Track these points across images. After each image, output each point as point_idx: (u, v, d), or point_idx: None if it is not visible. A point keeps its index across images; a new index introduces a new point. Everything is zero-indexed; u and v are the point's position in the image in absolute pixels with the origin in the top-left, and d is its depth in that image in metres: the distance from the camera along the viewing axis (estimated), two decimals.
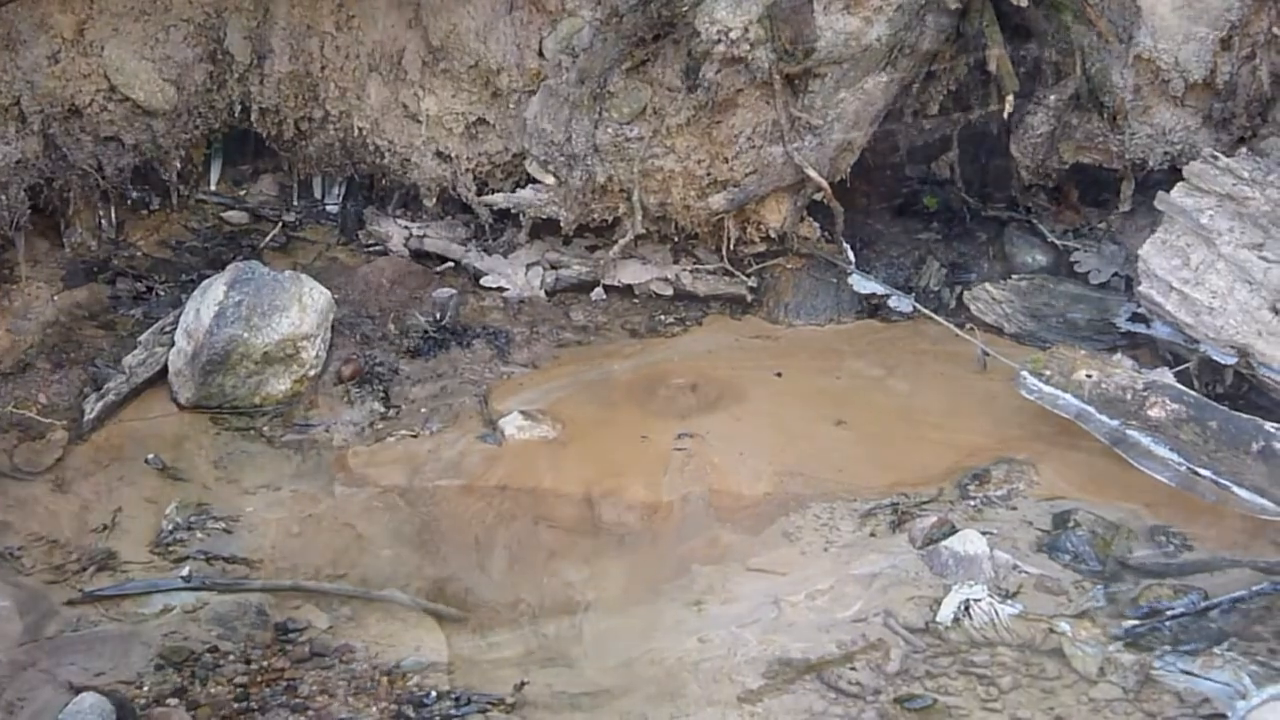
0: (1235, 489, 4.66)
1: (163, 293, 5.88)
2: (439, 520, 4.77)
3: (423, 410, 5.34)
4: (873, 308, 6.04)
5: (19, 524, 4.64)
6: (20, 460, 4.95)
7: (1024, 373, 5.05)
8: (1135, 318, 5.60)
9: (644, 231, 5.99)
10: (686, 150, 5.77)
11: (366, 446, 5.13)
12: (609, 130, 5.76)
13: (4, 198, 5.53)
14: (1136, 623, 4.13)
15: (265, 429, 5.22)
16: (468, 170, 6.11)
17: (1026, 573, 4.38)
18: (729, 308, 6.10)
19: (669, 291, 6.12)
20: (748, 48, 5.48)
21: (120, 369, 5.34)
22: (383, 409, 5.35)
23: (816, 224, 6.14)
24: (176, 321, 5.41)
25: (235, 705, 3.92)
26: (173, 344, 5.34)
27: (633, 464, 5.00)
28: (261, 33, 6.02)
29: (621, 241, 6.00)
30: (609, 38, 5.64)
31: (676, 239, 6.12)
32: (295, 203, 6.51)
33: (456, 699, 3.98)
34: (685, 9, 5.45)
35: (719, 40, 5.45)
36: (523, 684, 4.02)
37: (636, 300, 6.13)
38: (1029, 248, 6.17)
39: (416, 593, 4.42)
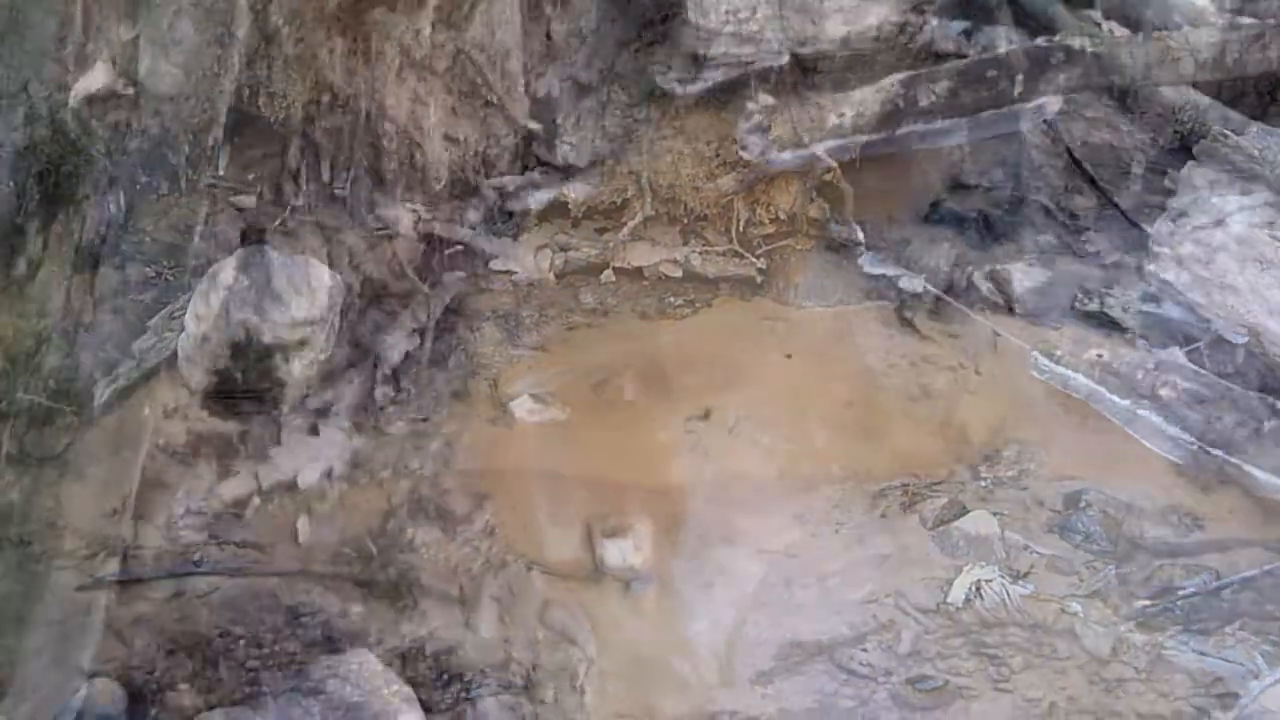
0: (1247, 468, 4.65)
1: (172, 278, 5.86)
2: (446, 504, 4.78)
3: (432, 393, 5.34)
4: (883, 289, 6.02)
5: (30, 510, 4.65)
6: (30, 445, 4.95)
7: (1035, 353, 5.05)
8: (1146, 297, 5.58)
9: (653, 213, 5.99)
10: (695, 131, 5.75)
11: (376, 430, 5.13)
12: (617, 112, 5.74)
13: (13, 183, 5.53)
14: (1148, 603, 4.13)
15: (275, 413, 5.21)
16: (476, 153, 6.11)
17: (1038, 553, 4.38)
18: (738, 289, 6.08)
19: (678, 273, 6.10)
20: (756, 29, 5.46)
21: (130, 354, 5.34)
22: (392, 392, 5.34)
23: (826, 205, 6.13)
24: (186, 306, 5.40)
25: (247, 690, 3.93)
26: (182, 329, 5.34)
27: (642, 447, 5.00)
28: (268, 16, 6.01)
29: (630, 224, 6.00)
30: (617, 19, 5.63)
31: (685, 221, 6.11)
32: (304, 187, 6.49)
33: (469, 681, 3.99)
34: None
35: (727, 21, 5.43)
36: (535, 666, 4.03)
37: (646, 282, 6.11)
38: (1040, 228, 6.15)
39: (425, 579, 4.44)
